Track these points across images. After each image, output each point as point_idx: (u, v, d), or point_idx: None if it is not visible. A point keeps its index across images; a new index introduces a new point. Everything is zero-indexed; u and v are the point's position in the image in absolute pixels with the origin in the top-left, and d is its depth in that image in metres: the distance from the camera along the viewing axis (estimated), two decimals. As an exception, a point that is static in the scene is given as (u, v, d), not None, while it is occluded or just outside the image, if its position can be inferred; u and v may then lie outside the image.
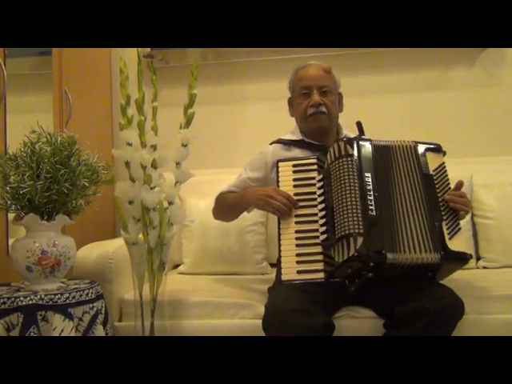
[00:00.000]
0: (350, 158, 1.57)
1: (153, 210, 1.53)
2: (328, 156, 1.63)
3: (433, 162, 1.63)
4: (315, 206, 1.58)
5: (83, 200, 1.56)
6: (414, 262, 1.48)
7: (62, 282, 1.58)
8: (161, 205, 1.55)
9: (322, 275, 1.50)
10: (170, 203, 1.58)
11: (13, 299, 1.39)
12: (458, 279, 1.65)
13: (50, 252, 1.47)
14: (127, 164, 1.54)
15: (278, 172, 1.67)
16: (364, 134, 1.70)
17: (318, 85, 1.78)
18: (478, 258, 2.09)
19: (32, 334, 1.37)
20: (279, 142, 1.88)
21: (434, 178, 1.60)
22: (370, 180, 1.54)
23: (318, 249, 1.52)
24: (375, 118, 2.35)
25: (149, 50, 2.49)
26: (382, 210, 1.51)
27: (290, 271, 1.52)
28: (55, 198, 1.45)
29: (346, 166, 1.56)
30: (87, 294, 1.50)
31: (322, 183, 1.61)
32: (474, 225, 2.12)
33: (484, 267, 2.06)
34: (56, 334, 1.38)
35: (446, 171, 1.63)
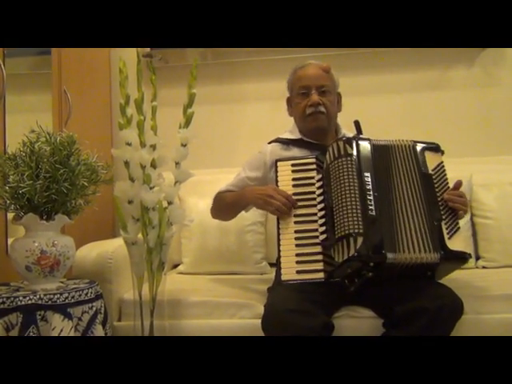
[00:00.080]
0: (349, 158, 1.57)
1: (152, 209, 1.53)
2: (327, 156, 1.63)
3: (431, 161, 1.63)
4: (314, 205, 1.58)
5: (82, 200, 1.56)
6: (413, 262, 1.48)
7: (62, 282, 1.58)
8: (160, 204, 1.55)
9: (321, 275, 1.50)
10: (170, 203, 1.58)
11: (12, 299, 1.39)
12: (457, 279, 1.65)
13: (49, 252, 1.47)
14: (126, 164, 1.54)
15: (276, 172, 1.66)
16: (362, 133, 1.69)
17: (317, 84, 1.78)
18: (478, 258, 2.09)
19: (31, 333, 1.37)
20: (278, 141, 1.87)
21: (433, 177, 1.60)
22: (370, 180, 1.54)
23: (318, 249, 1.52)
24: (374, 117, 2.35)
25: (148, 49, 2.48)
26: (382, 209, 1.51)
27: (289, 271, 1.52)
28: (54, 198, 1.45)
29: (345, 166, 1.55)
30: (86, 294, 1.50)
31: (321, 183, 1.60)
32: (473, 224, 2.12)
33: (483, 267, 2.07)
34: (55, 333, 1.38)
35: (444, 170, 1.63)
